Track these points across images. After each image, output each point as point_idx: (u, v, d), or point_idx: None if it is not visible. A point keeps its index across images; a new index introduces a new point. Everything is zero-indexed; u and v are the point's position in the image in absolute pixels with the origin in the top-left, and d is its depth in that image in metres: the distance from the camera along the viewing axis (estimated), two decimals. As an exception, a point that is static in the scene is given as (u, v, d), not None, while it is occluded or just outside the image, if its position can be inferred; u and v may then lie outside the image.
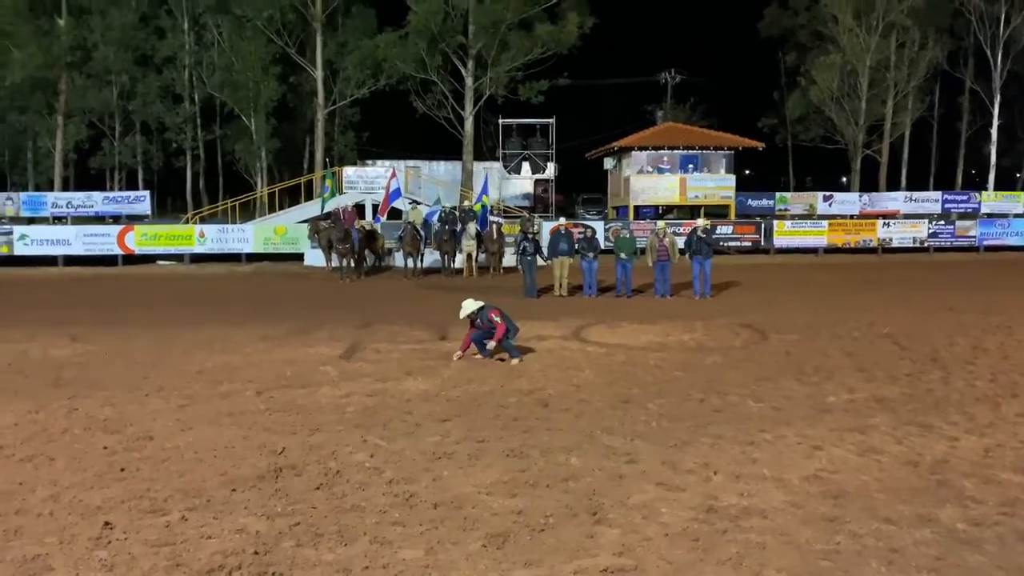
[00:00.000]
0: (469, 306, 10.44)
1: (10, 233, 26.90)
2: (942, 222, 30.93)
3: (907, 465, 6.26)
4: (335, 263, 23.14)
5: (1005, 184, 40.89)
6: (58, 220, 30.02)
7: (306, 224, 26.09)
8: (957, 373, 9.51)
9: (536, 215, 29.24)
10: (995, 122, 37.74)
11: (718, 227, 27.42)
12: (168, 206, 43.63)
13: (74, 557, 4.65)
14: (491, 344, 10.22)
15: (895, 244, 29.85)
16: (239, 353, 11.01)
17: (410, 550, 4.74)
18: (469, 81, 33.86)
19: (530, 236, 18.75)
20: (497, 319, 10.26)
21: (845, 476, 5.99)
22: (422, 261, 23.23)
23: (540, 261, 18.66)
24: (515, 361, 10.24)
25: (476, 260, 22.86)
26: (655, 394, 8.59)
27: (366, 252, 23.67)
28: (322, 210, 25.49)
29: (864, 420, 7.51)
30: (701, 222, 18.12)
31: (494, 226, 23.14)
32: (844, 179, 46.80)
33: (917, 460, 6.36)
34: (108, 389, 8.87)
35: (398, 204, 25.93)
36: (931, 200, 33.48)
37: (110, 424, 7.47)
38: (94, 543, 4.84)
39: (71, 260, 26.78)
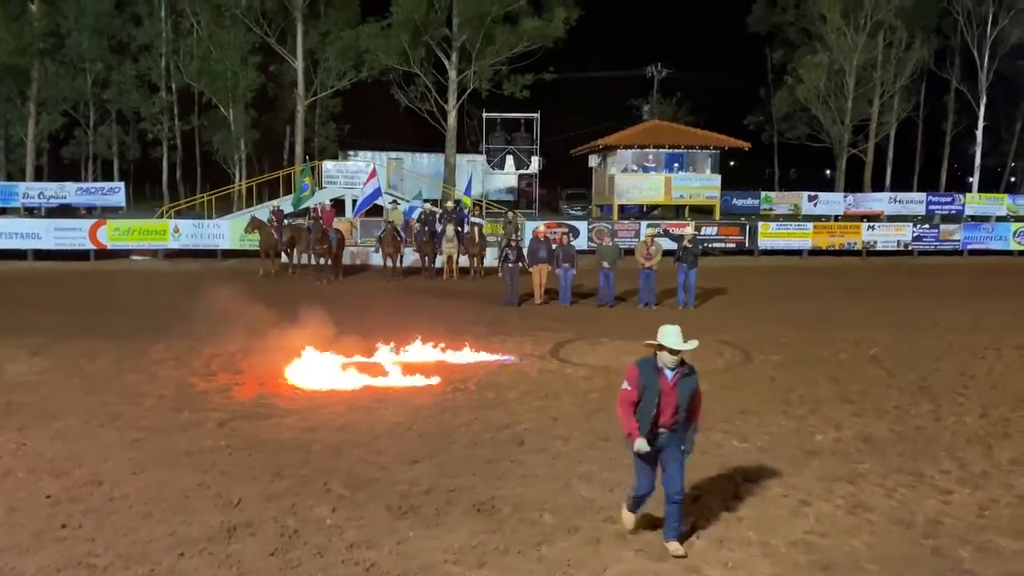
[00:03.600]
0: (688, 344, 5.41)
1: (-24, 226, 26.17)
2: (926, 225, 30.81)
3: (899, 526, 5.94)
4: (270, 267, 22.26)
5: (989, 180, 40.95)
6: (30, 211, 29.26)
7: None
8: (946, 406, 9.23)
9: (518, 212, 28.72)
10: (980, 123, 37.57)
11: (703, 228, 27.05)
12: (147, 193, 42.77)
13: (-5, 650, 4.24)
14: (694, 437, 5.73)
15: (879, 247, 29.66)
16: (204, 372, 10.58)
17: (366, 640, 4.36)
18: (453, 74, 33.27)
19: (512, 243, 18.34)
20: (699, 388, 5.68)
21: (834, 541, 5.66)
22: (402, 262, 22.76)
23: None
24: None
25: (457, 262, 22.42)
26: (636, 430, 8.21)
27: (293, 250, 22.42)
28: (295, 208, 24.61)
29: (852, 466, 7.20)
30: (689, 231, 17.69)
31: (475, 228, 22.67)
32: (828, 172, 46.60)
33: (909, 520, 6.04)
34: (61, 417, 8.42)
35: (379, 201, 25.36)
36: (915, 201, 33.49)
37: (57, 465, 7.03)
38: (20, 629, 4.43)
39: (41, 254, 26.09)
